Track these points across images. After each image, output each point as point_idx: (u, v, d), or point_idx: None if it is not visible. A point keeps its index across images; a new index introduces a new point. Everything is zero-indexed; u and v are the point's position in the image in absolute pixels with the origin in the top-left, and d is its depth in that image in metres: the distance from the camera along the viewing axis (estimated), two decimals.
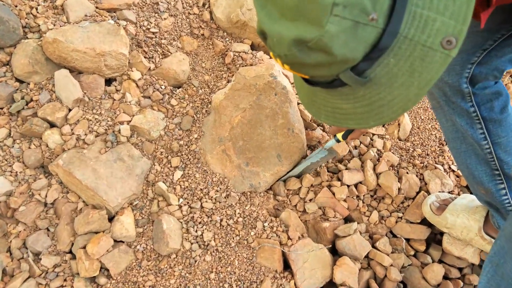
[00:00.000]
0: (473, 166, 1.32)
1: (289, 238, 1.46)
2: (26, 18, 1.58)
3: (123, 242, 1.40)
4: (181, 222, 1.44)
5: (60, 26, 1.58)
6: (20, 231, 1.42)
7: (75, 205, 1.45)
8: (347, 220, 1.64)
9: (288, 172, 1.68)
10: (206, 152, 1.58)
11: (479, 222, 1.43)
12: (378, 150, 1.83)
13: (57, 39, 1.47)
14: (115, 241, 1.38)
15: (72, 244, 1.40)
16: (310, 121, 1.79)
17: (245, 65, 1.76)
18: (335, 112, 0.76)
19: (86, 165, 1.42)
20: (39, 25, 1.58)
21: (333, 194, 1.62)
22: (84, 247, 1.35)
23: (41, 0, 1.64)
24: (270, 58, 1.85)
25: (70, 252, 1.40)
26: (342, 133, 1.46)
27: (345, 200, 1.63)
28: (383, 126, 1.96)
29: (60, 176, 1.45)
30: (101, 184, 1.40)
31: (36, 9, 1.61)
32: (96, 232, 1.39)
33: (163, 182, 1.48)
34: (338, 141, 1.52)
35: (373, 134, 1.90)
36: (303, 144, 1.64)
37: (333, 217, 1.59)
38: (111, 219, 1.43)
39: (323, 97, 0.77)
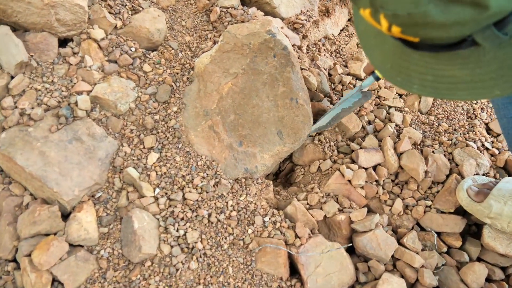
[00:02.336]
0: None
1: (296, 236, 1.17)
2: None
3: (82, 246, 1.10)
4: (158, 219, 1.14)
5: None
6: None
7: (19, 199, 1.14)
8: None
9: (315, 123, 1.42)
10: (189, 129, 1.27)
11: None
12: (396, 125, 1.55)
13: None
14: (71, 245, 1.08)
15: (17, 250, 1.09)
16: (316, 90, 1.49)
17: (235, 23, 1.45)
18: (438, 81, 0.66)
19: (31, 147, 1.11)
20: None
21: (348, 180, 1.33)
22: (30, 255, 1.04)
23: None
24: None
25: (14, 260, 1.10)
26: None
27: (362, 187, 1.34)
28: (401, 96, 1.67)
29: (0, 163, 1.14)
30: (51, 172, 1.09)
31: None
32: (46, 235, 1.08)
33: (133, 167, 1.18)
34: (377, 79, 1.32)
35: (390, 107, 1.61)
36: (309, 117, 1.35)
37: (349, 208, 1.30)
38: (66, 216, 1.13)
39: (423, 64, 0.67)
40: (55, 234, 1.08)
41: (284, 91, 1.31)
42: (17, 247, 1.09)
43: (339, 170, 1.36)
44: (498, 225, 1.22)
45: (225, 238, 1.15)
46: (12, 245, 1.09)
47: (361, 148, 1.43)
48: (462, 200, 1.26)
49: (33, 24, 1.23)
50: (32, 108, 1.17)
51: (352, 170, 1.34)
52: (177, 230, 1.12)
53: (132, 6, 1.43)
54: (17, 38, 1.20)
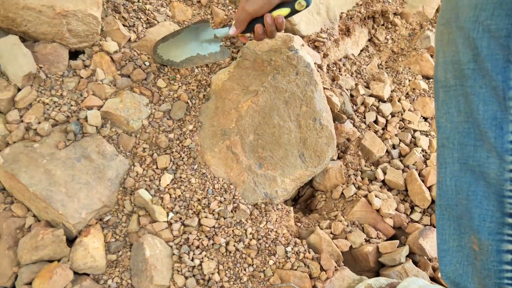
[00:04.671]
0: (475, 198, 0.75)
1: (322, 269, 1.09)
2: None
3: (87, 275, 1.02)
4: (171, 247, 1.06)
5: None
6: None
7: (21, 220, 1.07)
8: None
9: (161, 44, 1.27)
10: (205, 149, 1.20)
11: None
12: (423, 150, 1.48)
13: None
14: (76, 273, 1.00)
15: (16, 277, 1.01)
16: (338, 111, 1.43)
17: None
18: None
19: (36, 164, 1.04)
20: None
21: (376, 209, 1.25)
22: (31, 283, 0.96)
23: None
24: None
25: None
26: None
27: (391, 217, 1.26)
28: (426, 120, 1.60)
29: (1, 180, 1.08)
30: (57, 192, 1.02)
31: None
32: (50, 261, 1.01)
33: (146, 189, 1.10)
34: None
35: (415, 131, 1.54)
36: (333, 139, 1.28)
37: (376, 238, 1.22)
38: (71, 241, 1.05)
39: None
40: (58, 260, 1.00)
41: (306, 111, 1.25)
42: (17, 274, 1.01)
43: (366, 197, 1.28)
44: None
45: (244, 270, 1.07)
46: (11, 272, 1.01)
47: (384, 173, 1.36)
48: None
49: (43, 34, 1.18)
50: (39, 122, 1.11)
51: (381, 198, 1.26)
52: (192, 260, 1.04)
53: (147, 19, 1.39)
54: (26, 49, 1.15)
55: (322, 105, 1.28)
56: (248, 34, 1.22)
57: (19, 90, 1.14)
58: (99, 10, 1.23)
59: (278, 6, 1.10)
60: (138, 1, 1.40)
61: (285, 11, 1.10)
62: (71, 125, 1.11)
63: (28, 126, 1.10)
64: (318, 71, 1.49)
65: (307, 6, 1.10)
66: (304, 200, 1.45)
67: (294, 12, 1.11)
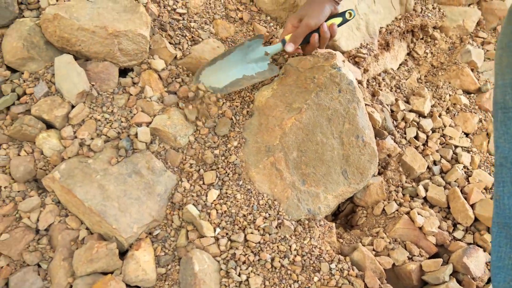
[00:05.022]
0: None
1: (366, 286, 1.10)
2: None
3: (139, 287, 1.05)
4: (219, 262, 1.09)
5: (64, 1, 1.27)
6: (2, 267, 1.09)
7: (75, 233, 1.12)
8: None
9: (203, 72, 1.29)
10: (250, 165, 1.23)
11: None
12: (465, 166, 1.47)
13: (58, 15, 1.16)
14: (128, 286, 1.04)
15: (71, 287, 1.05)
16: (380, 127, 1.44)
17: (295, 55, 1.42)
18: None
19: (91, 180, 1.08)
20: (38, 1, 1.28)
21: (419, 227, 1.25)
22: None
23: None
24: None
25: None
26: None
27: (433, 234, 1.26)
28: (467, 136, 1.59)
29: (57, 194, 1.12)
30: (110, 207, 1.06)
31: None
32: (104, 273, 1.05)
33: (193, 205, 1.14)
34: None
35: (456, 146, 1.54)
36: (376, 156, 1.29)
37: (418, 256, 1.22)
38: (122, 254, 1.09)
39: None
40: (111, 273, 1.04)
41: (349, 128, 1.27)
42: (71, 284, 1.05)
43: (408, 214, 1.29)
44: None
45: (290, 286, 1.09)
46: (66, 282, 1.06)
47: (426, 190, 1.37)
48: None
49: (95, 54, 1.23)
50: (92, 138, 1.16)
51: (423, 216, 1.26)
52: (239, 275, 1.07)
53: (192, 36, 1.43)
54: (80, 67, 1.20)
55: (365, 122, 1.29)
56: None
57: (72, 107, 1.20)
58: (147, 30, 1.28)
59: (329, 18, 1.23)
60: (183, 19, 1.45)
61: (337, 20, 1.23)
62: (123, 142, 1.15)
63: (82, 142, 1.15)
64: (359, 87, 1.50)
65: (353, 17, 1.23)
66: (344, 215, 1.46)
67: (344, 22, 1.24)
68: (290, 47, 1.23)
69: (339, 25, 1.23)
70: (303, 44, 1.26)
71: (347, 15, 1.22)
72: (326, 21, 1.22)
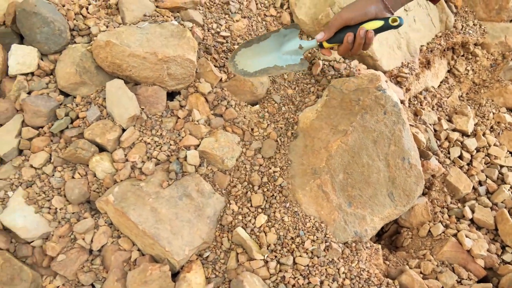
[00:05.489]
0: None
1: None
2: (74, 19, 1.33)
3: None
4: (269, 284, 1.10)
5: (114, 27, 1.32)
6: (58, 287, 1.14)
7: (128, 254, 1.15)
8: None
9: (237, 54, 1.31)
10: (296, 187, 1.24)
11: None
12: (511, 187, 1.44)
13: (110, 42, 1.20)
14: None
15: None
16: (424, 148, 1.43)
17: (338, 76, 1.43)
18: None
19: (143, 202, 1.12)
20: (89, 27, 1.33)
21: (467, 249, 1.24)
22: None
23: None
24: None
25: None
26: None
27: (482, 257, 1.25)
28: None
29: (110, 216, 1.16)
30: (163, 230, 1.09)
31: (87, 8, 1.36)
32: None
33: (242, 227, 1.16)
34: (320, 45, 1.25)
35: (501, 166, 1.52)
36: (422, 178, 1.29)
37: (467, 279, 1.21)
38: (173, 275, 1.11)
39: None
40: None
41: (395, 150, 1.27)
42: None
43: (455, 236, 1.27)
44: None
45: None
46: None
47: (472, 212, 1.35)
48: None
49: (145, 78, 1.27)
50: (143, 161, 1.19)
51: (471, 238, 1.25)
52: None
53: None
54: (131, 92, 1.24)
55: (410, 144, 1.29)
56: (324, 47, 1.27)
57: (123, 130, 1.24)
58: (195, 54, 1.31)
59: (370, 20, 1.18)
60: (227, 42, 1.48)
61: (378, 23, 1.17)
62: (173, 165, 1.18)
63: (134, 165, 1.19)
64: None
65: (399, 25, 1.15)
66: (388, 235, 1.46)
67: (387, 27, 1.17)
68: (319, 35, 1.23)
69: (380, 30, 1.17)
70: (338, 43, 1.23)
71: (391, 21, 1.15)
72: (367, 21, 1.17)
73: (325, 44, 1.23)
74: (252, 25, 1.56)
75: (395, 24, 1.15)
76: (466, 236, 1.26)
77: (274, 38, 1.32)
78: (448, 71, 1.87)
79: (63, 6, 1.34)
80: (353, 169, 1.25)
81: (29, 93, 1.25)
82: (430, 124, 1.56)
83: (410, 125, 1.42)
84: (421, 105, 1.63)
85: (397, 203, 1.27)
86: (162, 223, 1.10)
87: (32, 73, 1.29)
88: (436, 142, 1.54)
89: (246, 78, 1.32)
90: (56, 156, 1.21)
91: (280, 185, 1.24)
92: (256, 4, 1.64)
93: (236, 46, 1.47)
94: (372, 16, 1.16)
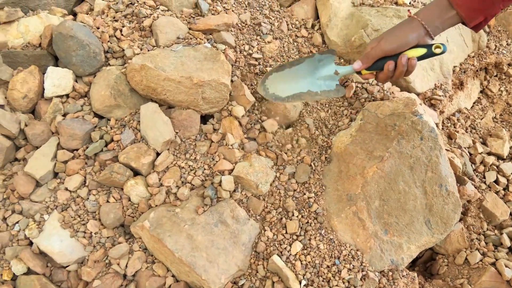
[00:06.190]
0: None
1: None
2: (108, 41, 1.36)
3: None
4: None
5: (148, 50, 1.33)
6: None
7: (162, 280, 1.15)
8: None
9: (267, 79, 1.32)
10: (331, 214, 1.23)
11: None
12: None
13: (145, 66, 1.21)
14: None
15: None
16: (460, 173, 1.41)
17: (372, 99, 1.42)
18: None
19: (179, 229, 1.12)
20: (123, 50, 1.35)
21: (507, 280, 1.22)
22: None
23: (126, 21, 1.40)
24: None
25: None
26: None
27: None
28: None
29: (145, 241, 1.17)
30: (199, 258, 1.09)
31: (121, 30, 1.38)
32: None
33: (278, 255, 1.15)
34: (359, 72, 1.23)
35: None
36: (460, 206, 1.26)
37: None
38: None
39: None
40: None
41: (432, 177, 1.25)
42: None
43: (493, 265, 1.25)
44: None
45: None
46: None
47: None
48: None
49: (179, 102, 1.28)
50: (177, 186, 1.20)
51: (511, 268, 1.22)
52: None
53: None
54: (165, 116, 1.24)
55: (447, 170, 1.27)
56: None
57: (157, 154, 1.25)
58: (229, 78, 1.32)
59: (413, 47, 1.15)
60: (259, 64, 1.48)
61: (421, 51, 1.13)
62: (208, 191, 1.18)
63: (168, 190, 1.19)
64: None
65: (443, 52, 1.12)
66: (423, 262, 1.43)
67: (429, 54, 1.14)
68: (356, 65, 1.21)
69: (423, 57, 1.14)
70: (378, 70, 1.21)
71: (434, 48, 1.12)
72: (409, 49, 1.15)
73: (364, 72, 1.22)
74: (283, 47, 1.56)
75: (439, 51, 1.12)
76: (506, 266, 1.24)
77: (308, 63, 1.31)
78: (481, 92, 1.84)
79: (98, 28, 1.36)
80: (389, 195, 1.24)
81: (64, 115, 1.27)
82: (465, 148, 1.54)
83: (446, 149, 1.40)
84: (454, 127, 1.61)
85: (434, 231, 1.25)
86: (198, 251, 1.10)
87: (67, 95, 1.31)
88: (471, 166, 1.52)
89: (277, 101, 1.32)
90: (91, 179, 1.22)
91: (315, 211, 1.23)
92: (287, 24, 1.65)
93: (268, 68, 1.47)
94: (413, 44, 1.13)
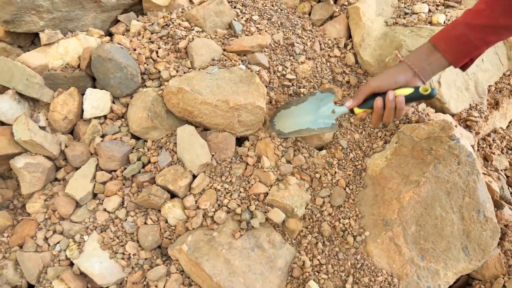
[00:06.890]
0: None
1: None
2: (145, 63, 1.38)
3: None
4: None
5: (184, 72, 1.36)
6: None
7: None
8: None
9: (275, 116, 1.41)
10: (367, 239, 1.24)
11: None
12: None
13: (182, 89, 1.24)
14: None
15: None
16: (497, 197, 1.40)
17: (407, 122, 1.42)
18: None
19: (216, 253, 1.14)
20: (159, 71, 1.38)
21: None
22: None
23: (162, 42, 1.43)
24: (436, 111, 1.50)
25: None
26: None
27: None
28: None
29: (182, 264, 1.19)
30: (237, 283, 1.11)
31: (157, 52, 1.41)
32: None
33: (314, 280, 1.16)
34: (352, 112, 1.23)
35: None
36: (498, 232, 1.25)
37: None
38: None
39: None
40: None
41: (469, 202, 1.25)
42: None
43: None
44: None
45: None
46: None
47: None
48: None
49: (215, 125, 1.30)
50: (215, 210, 1.22)
51: None
52: None
53: None
54: (202, 139, 1.27)
55: (485, 195, 1.27)
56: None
57: (194, 176, 1.27)
58: (264, 101, 1.33)
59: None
60: (293, 85, 1.50)
61: (408, 90, 1.12)
62: (245, 215, 1.20)
63: (205, 213, 1.21)
64: None
65: (431, 95, 1.09)
66: (458, 287, 1.42)
67: (417, 95, 1.11)
68: (348, 103, 1.23)
69: (411, 98, 1.12)
70: (370, 108, 1.20)
71: (421, 90, 1.09)
72: (397, 89, 1.13)
73: (357, 110, 1.22)
74: (316, 67, 1.58)
75: (426, 93, 1.09)
76: None
77: (311, 101, 1.37)
78: None
79: (134, 50, 1.39)
80: (425, 221, 1.24)
81: (102, 136, 1.30)
82: (502, 170, 1.52)
83: (483, 173, 1.40)
84: (490, 148, 1.60)
85: (472, 257, 1.24)
86: (236, 276, 1.12)
87: (105, 116, 1.34)
88: (508, 189, 1.50)
89: (279, 136, 1.38)
90: (129, 201, 1.25)
91: (352, 235, 1.24)
92: (320, 44, 1.66)
93: (302, 90, 1.48)
94: (402, 85, 1.13)
